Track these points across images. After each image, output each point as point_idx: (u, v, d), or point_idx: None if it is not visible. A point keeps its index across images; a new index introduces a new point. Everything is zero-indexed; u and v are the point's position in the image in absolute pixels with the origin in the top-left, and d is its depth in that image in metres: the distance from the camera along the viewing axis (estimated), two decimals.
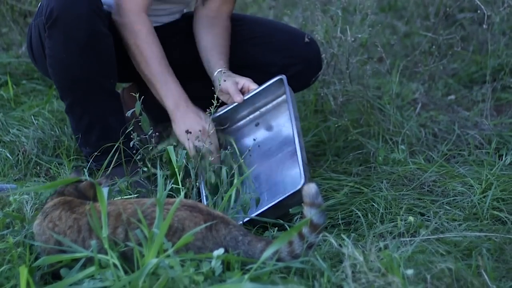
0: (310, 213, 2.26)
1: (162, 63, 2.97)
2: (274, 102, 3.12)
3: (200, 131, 2.90)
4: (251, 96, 3.03)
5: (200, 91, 3.23)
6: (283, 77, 3.01)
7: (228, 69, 3.10)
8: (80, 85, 2.93)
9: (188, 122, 2.93)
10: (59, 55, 2.89)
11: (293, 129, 2.89)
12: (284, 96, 3.08)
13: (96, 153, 2.96)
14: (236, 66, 3.16)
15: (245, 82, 3.04)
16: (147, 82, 2.99)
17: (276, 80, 3.03)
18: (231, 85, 3.02)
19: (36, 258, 2.38)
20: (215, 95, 2.92)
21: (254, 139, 3.08)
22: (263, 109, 3.13)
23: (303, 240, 2.27)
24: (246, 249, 2.30)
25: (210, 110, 2.91)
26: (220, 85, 2.98)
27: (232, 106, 3.05)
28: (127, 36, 2.97)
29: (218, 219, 2.34)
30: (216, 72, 3.07)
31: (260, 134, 3.12)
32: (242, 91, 3.04)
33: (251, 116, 3.14)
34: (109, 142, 2.90)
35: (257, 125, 3.13)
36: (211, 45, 3.15)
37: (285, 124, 3.08)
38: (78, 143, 3.07)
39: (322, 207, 2.27)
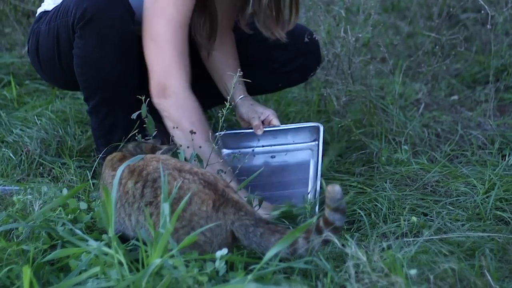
0: (333, 217, 2.23)
1: (210, 143, 2.84)
2: (299, 146, 3.15)
3: None
4: (275, 130, 3.15)
5: (203, 91, 3.25)
6: (321, 126, 3.12)
7: (246, 93, 3.19)
8: (110, 85, 2.93)
9: None
10: (92, 55, 2.89)
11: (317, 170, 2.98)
12: (312, 143, 3.17)
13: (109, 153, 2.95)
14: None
15: (269, 114, 3.14)
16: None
17: (311, 126, 3.17)
18: (253, 116, 3.12)
19: (45, 253, 2.39)
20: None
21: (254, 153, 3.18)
22: (284, 147, 3.20)
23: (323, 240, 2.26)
24: (258, 241, 2.29)
25: (223, 111, 2.90)
26: (239, 108, 3.15)
27: (249, 130, 3.16)
28: (178, 115, 2.87)
29: (231, 202, 2.33)
30: (238, 98, 3.14)
31: (273, 163, 3.20)
32: (263, 123, 3.14)
33: (269, 148, 3.19)
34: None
35: (273, 157, 3.17)
36: (224, 66, 3.17)
37: (303, 164, 3.13)
38: (97, 143, 3.07)
39: (344, 211, 2.26)
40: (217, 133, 2.95)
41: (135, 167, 2.42)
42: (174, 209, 2.27)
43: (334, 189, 2.20)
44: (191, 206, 2.30)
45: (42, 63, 3.12)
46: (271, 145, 3.16)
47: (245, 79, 3.08)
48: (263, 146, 3.18)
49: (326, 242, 2.27)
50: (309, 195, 2.91)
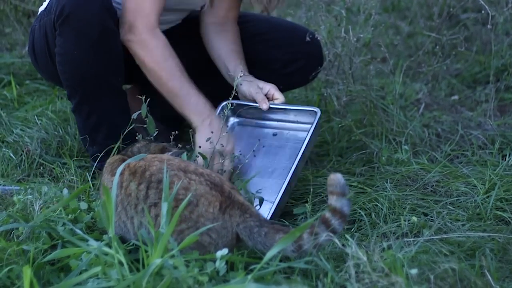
0: (340, 203, 2.25)
1: (182, 77, 2.95)
2: (302, 126, 3.12)
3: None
4: (279, 108, 3.08)
5: (207, 91, 3.24)
6: (318, 111, 3.03)
7: (248, 73, 3.14)
8: (90, 83, 2.94)
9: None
10: (70, 52, 2.89)
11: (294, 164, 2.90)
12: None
13: (100, 153, 2.95)
14: None
15: (270, 88, 3.09)
16: (168, 98, 2.97)
17: (311, 110, 3.08)
18: (256, 91, 3.06)
19: (45, 253, 2.39)
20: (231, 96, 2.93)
21: (259, 140, 3.11)
22: (287, 125, 3.14)
23: (330, 232, 2.26)
24: (263, 240, 2.29)
25: (224, 113, 2.89)
26: (241, 86, 3.05)
27: (254, 105, 3.09)
28: (142, 54, 2.94)
29: (236, 204, 2.34)
30: (238, 76, 3.08)
31: (273, 139, 3.16)
32: (267, 97, 3.08)
33: (272, 124, 3.14)
34: (115, 141, 2.87)
35: (274, 134, 3.14)
36: (226, 51, 3.16)
37: (296, 150, 3.07)
38: (84, 143, 3.07)
39: (348, 196, 2.28)
40: (224, 102, 2.93)
41: (136, 168, 2.41)
42: (182, 210, 2.27)
43: (336, 176, 2.24)
44: (198, 207, 2.30)
45: (38, 60, 3.14)
46: (277, 120, 3.12)
47: (248, 75, 3.07)
48: (270, 120, 3.14)
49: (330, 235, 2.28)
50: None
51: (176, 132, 2.89)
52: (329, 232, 2.25)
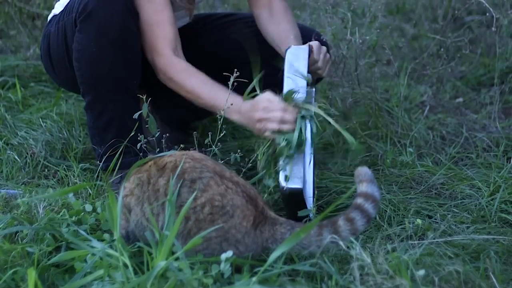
0: (371, 188, 2.33)
1: (208, 87, 2.91)
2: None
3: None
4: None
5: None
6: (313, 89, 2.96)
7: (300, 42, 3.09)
8: (105, 82, 2.93)
9: (260, 112, 2.79)
10: (89, 49, 2.89)
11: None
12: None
13: (107, 153, 2.95)
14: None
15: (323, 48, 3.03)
16: (212, 110, 2.92)
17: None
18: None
19: (50, 256, 2.39)
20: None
21: None
22: None
23: (365, 216, 2.32)
24: (299, 242, 2.30)
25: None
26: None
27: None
28: (172, 86, 2.95)
29: (268, 220, 2.34)
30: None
31: None
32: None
33: None
34: (123, 142, 2.88)
35: None
36: (277, 36, 3.14)
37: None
38: (92, 141, 3.07)
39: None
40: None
41: (166, 163, 2.39)
42: (214, 218, 2.28)
43: (363, 168, 2.39)
44: (233, 219, 2.29)
45: (54, 64, 3.13)
46: None
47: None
48: None
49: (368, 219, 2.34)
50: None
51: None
52: (363, 217, 2.32)
